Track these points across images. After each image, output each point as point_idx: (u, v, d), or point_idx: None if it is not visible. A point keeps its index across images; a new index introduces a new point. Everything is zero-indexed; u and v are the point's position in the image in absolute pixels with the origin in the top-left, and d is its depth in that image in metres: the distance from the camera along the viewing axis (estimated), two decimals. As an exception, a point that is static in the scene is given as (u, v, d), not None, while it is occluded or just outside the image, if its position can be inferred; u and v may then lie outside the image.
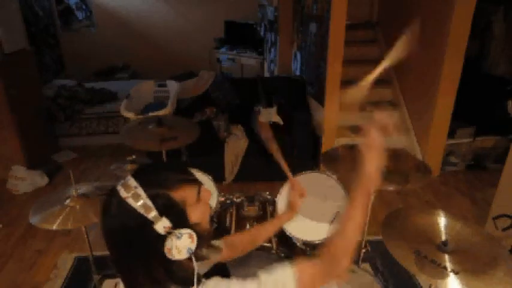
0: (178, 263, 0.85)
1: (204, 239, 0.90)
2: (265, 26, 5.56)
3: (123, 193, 0.83)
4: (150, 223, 0.82)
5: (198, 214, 0.90)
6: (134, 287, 0.88)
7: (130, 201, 0.81)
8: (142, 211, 0.81)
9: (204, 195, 0.93)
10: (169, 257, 0.83)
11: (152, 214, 0.82)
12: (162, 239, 0.82)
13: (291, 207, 1.54)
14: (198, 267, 0.88)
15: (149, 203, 0.82)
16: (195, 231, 0.86)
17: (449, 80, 3.37)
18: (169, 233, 0.83)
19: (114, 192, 0.84)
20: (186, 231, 0.84)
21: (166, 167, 0.99)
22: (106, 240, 0.86)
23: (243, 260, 1.78)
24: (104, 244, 0.87)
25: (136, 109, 3.76)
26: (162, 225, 0.82)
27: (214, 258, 1.12)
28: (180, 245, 0.83)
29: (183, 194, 0.87)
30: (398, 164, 1.74)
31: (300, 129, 3.62)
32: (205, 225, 0.94)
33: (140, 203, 0.82)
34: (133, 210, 0.81)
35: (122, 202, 0.82)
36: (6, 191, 3.46)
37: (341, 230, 0.98)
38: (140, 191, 0.82)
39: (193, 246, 0.85)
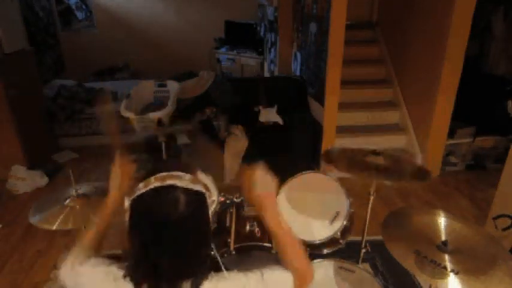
0: None
1: None
2: (265, 26, 5.56)
3: (182, 183, 0.89)
4: (207, 196, 0.93)
5: None
6: (186, 274, 0.90)
7: (192, 186, 0.90)
8: (203, 189, 0.93)
9: None
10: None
11: (208, 188, 0.95)
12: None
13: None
14: None
15: (203, 182, 0.95)
16: None
17: (449, 80, 3.37)
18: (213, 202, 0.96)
19: (171, 188, 0.88)
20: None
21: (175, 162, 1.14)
22: (175, 232, 0.87)
23: (243, 260, 1.78)
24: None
25: (136, 109, 3.76)
26: (213, 195, 0.97)
27: None
28: (211, 214, 0.95)
29: None
30: (397, 166, 1.73)
31: (299, 129, 3.62)
32: None
33: (199, 183, 0.93)
34: (198, 192, 0.91)
35: (187, 190, 0.89)
36: (6, 191, 3.46)
37: (286, 256, 1.03)
38: (191, 176, 0.92)
39: None
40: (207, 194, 0.93)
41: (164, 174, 0.89)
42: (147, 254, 0.87)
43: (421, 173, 1.70)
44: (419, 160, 3.72)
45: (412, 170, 1.73)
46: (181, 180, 0.89)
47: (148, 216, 0.88)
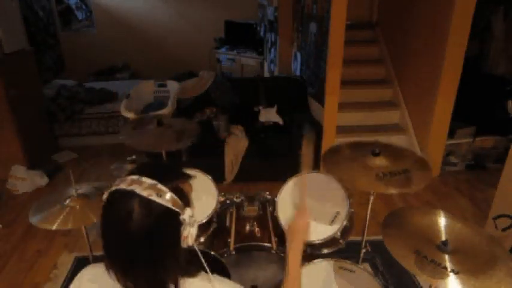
0: (183, 251, 0.90)
1: None
2: (265, 26, 5.56)
3: (144, 192, 0.81)
4: (176, 214, 0.85)
5: None
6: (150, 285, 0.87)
7: (155, 197, 0.82)
8: (169, 204, 0.83)
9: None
10: (184, 245, 0.87)
11: (178, 205, 0.85)
12: (180, 228, 0.86)
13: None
14: None
15: (173, 195, 0.84)
16: None
17: (449, 80, 3.37)
18: (190, 221, 0.86)
19: (130, 194, 0.81)
20: (196, 220, 0.90)
21: (164, 164, 1.02)
22: (127, 244, 0.83)
23: (243, 260, 1.78)
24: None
25: (136, 109, 3.76)
26: (188, 214, 0.86)
27: None
28: (193, 233, 0.88)
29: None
30: (399, 162, 1.73)
31: (299, 129, 3.62)
32: None
33: (167, 197, 0.83)
34: (160, 206, 0.82)
35: (147, 201, 0.81)
36: (6, 191, 3.46)
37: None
38: (161, 186, 0.83)
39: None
40: (182, 210, 0.86)
41: (134, 177, 0.83)
42: (107, 254, 0.87)
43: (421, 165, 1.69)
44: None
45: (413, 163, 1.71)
46: (146, 189, 0.82)
47: (104, 219, 0.85)
